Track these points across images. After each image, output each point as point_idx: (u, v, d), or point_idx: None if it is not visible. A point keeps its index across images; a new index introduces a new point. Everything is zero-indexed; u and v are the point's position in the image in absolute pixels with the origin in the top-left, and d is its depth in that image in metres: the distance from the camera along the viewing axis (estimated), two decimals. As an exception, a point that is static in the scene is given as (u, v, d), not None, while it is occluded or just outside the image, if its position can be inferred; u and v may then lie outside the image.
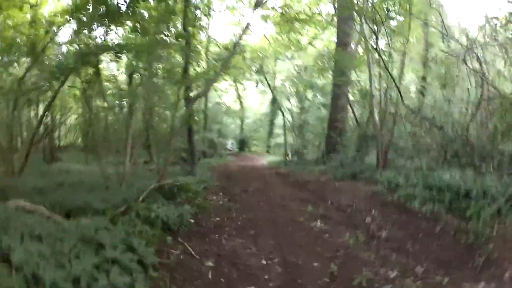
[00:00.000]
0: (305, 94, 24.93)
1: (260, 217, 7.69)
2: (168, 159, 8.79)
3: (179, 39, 10.05)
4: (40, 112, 14.10)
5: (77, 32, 9.01)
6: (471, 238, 5.55)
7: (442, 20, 13.68)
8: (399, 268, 4.66)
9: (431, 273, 4.54)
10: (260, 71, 26.28)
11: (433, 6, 14.37)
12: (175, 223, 6.03)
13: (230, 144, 38.07)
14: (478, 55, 10.32)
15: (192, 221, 6.70)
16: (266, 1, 15.58)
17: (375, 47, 12.05)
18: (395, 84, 11.57)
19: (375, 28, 11.87)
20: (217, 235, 6.21)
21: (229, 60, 11.03)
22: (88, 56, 8.89)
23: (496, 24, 10.25)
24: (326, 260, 5.10)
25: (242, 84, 35.89)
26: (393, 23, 12.62)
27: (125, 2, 8.73)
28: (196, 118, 10.13)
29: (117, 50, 9.06)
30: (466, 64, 10.63)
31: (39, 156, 17.36)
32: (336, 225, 6.96)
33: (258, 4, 11.16)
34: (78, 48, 9.26)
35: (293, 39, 21.91)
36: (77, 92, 12.42)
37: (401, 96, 11.61)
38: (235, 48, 9.72)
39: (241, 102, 40.73)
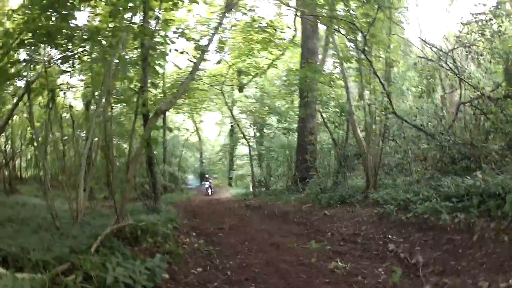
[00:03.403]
0: (265, 121, 23.90)
1: (254, 262, 5.87)
2: (126, 193, 6.90)
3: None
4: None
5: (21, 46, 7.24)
6: (516, 233, 4.89)
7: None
8: None
9: (495, 282, 3.93)
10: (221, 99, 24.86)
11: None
12: (145, 286, 4.01)
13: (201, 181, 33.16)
14: (454, 58, 10.46)
15: (167, 276, 4.76)
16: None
17: (358, 55, 10.88)
18: (385, 91, 10.35)
19: (355, 36, 10.73)
20: (205, 297, 4.38)
21: (187, 84, 9.48)
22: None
23: (482, 20, 10.47)
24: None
25: (199, 114, 34.75)
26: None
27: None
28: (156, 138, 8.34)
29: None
30: (445, 67, 10.82)
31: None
32: (359, 261, 5.52)
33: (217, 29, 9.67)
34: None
35: (253, 63, 20.72)
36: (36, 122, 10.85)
37: (391, 105, 10.38)
38: (193, 73, 8.22)
39: (199, 134, 39.07)
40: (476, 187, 6.37)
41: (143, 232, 6.81)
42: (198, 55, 8.40)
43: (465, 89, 10.27)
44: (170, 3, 7.85)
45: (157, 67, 8.84)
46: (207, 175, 31.06)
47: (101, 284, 3.83)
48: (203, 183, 29.59)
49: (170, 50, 7.49)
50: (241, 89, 11.88)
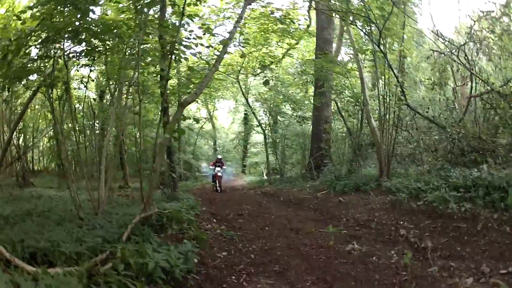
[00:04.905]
0: (280, 109, 24.06)
1: (276, 246, 6.31)
2: (153, 183, 7.29)
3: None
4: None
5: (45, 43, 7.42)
6: (517, 225, 5.22)
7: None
8: (468, 274, 4.32)
9: (496, 268, 4.32)
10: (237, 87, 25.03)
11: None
12: (181, 270, 4.34)
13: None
14: (466, 52, 10.49)
15: (196, 260, 5.15)
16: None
17: (373, 48, 11.08)
18: (399, 83, 10.59)
19: (370, 28, 10.88)
20: (233, 277, 4.80)
21: (210, 76, 9.68)
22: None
23: (493, 17, 10.58)
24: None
25: (214, 102, 35.06)
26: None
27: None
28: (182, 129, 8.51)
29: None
30: (456, 61, 10.87)
31: (12, 180, 16.35)
32: (374, 245, 6.01)
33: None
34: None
35: (268, 52, 20.93)
36: (48, 114, 11.04)
37: (404, 97, 10.63)
38: (216, 65, 8.42)
39: (213, 123, 39.42)
40: (482, 179, 6.70)
41: (168, 220, 7.16)
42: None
43: (476, 82, 10.41)
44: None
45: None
46: (219, 156, 21.77)
47: (139, 270, 4.07)
48: (211, 167, 20.48)
49: (196, 45, 7.68)
50: (266, 83, 12.16)
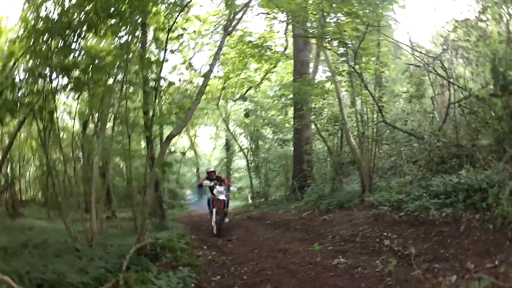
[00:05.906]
0: (261, 133, 24.34)
1: (266, 267, 6.64)
2: (146, 214, 7.53)
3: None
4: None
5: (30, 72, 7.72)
6: (499, 223, 5.28)
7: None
8: (452, 273, 4.56)
9: (482, 264, 4.51)
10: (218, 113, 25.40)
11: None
12: None
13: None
14: (442, 62, 10.71)
15: (193, 284, 5.42)
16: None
17: (349, 69, 11.50)
18: (376, 103, 11.02)
19: (346, 49, 11.37)
20: (230, 300, 5.07)
21: (194, 108, 9.84)
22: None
23: (468, 25, 10.63)
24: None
25: (195, 129, 35.30)
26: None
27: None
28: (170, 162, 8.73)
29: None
30: (433, 72, 11.13)
31: (2, 210, 16.03)
32: (359, 257, 6.32)
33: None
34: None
35: (247, 77, 21.43)
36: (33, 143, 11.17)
37: (382, 114, 11.06)
38: (198, 98, 8.60)
39: (194, 149, 39.48)
40: (462, 184, 6.91)
41: (161, 249, 7.42)
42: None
43: (454, 90, 10.64)
44: (175, 34, 8.45)
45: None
46: (211, 169, 13.83)
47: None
48: (206, 182, 12.75)
49: (180, 80, 8.07)
50: (246, 115, 12.48)
